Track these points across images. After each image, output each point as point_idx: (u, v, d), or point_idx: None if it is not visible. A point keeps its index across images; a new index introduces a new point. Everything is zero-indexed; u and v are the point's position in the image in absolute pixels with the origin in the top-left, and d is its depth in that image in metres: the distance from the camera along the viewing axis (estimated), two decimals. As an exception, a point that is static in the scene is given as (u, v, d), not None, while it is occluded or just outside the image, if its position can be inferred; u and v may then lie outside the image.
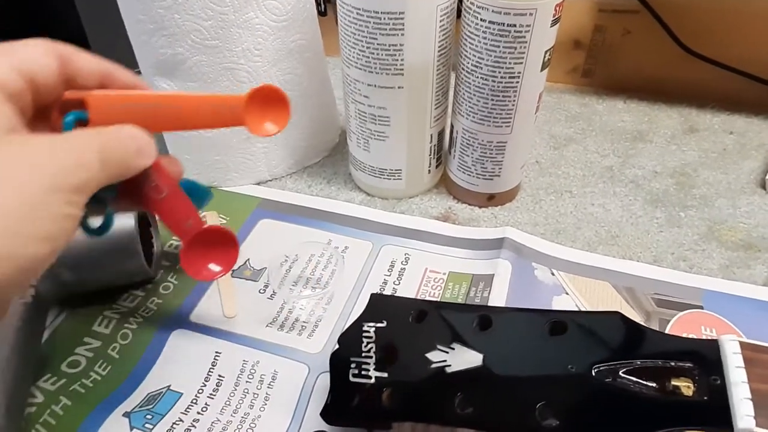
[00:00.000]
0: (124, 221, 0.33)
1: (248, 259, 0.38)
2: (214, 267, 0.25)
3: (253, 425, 0.29)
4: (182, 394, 0.31)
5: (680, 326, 0.33)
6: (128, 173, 0.22)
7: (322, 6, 0.59)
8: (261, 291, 0.36)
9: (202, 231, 0.25)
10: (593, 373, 0.23)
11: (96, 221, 0.24)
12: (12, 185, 0.17)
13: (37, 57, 0.21)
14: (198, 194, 0.26)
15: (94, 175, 0.20)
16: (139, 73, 0.41)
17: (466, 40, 0.35)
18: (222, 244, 0.25)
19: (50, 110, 0.23)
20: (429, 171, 0.43)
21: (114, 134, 0.21)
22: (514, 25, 0.32)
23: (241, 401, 0.30)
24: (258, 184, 0.45)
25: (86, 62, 0.23)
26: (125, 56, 0.53)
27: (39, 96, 0.21)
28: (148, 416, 0.29)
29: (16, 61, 0.20)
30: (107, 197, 0.23)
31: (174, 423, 0.29)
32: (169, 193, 0.24)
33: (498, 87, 0.35)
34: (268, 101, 0.24)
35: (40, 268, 0.19)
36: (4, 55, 0.20)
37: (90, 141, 0.20)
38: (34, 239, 0.18)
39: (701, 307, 0.34)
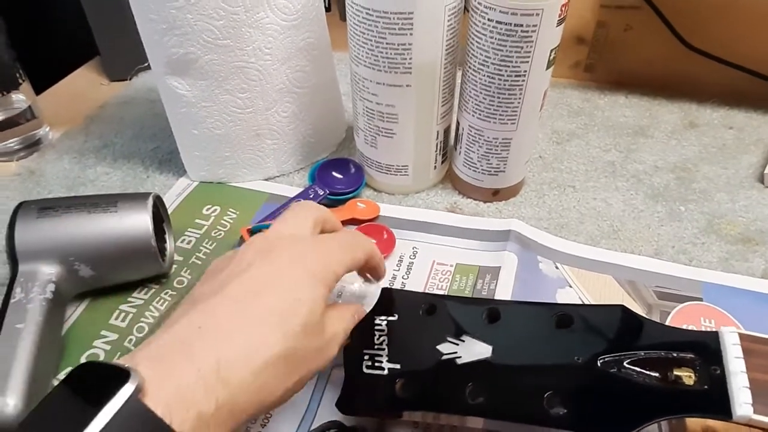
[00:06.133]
0: (140, 220, 0.33)
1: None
2: None
3: (268, 416, 0.30)
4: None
5: (680, 318, 0.34)
6: None
7: (326, 1, 0.59)
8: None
9: None
10: (598, 364, 0.24)
11: None
12: None
13: None
14: None
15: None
16: (148, 68, 0.41)
17: (473, 38, 0.36)
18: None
19: None
20: (435, 167, 0.43)
21: None
22: (521, 25, 0.33)
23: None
24: (266, 179, 0.46)
25: None
26: (132, 55, 0.53)
27: None
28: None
29: None
30: None
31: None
32: None
33: (504, 85, 0.36)
34: None
35: None
36: None
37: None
38: None
39: (701, 299, 0.35)
